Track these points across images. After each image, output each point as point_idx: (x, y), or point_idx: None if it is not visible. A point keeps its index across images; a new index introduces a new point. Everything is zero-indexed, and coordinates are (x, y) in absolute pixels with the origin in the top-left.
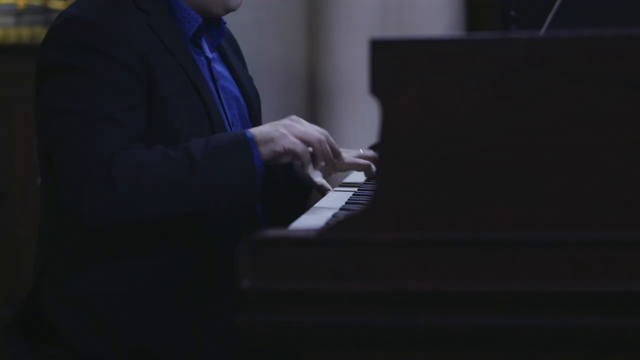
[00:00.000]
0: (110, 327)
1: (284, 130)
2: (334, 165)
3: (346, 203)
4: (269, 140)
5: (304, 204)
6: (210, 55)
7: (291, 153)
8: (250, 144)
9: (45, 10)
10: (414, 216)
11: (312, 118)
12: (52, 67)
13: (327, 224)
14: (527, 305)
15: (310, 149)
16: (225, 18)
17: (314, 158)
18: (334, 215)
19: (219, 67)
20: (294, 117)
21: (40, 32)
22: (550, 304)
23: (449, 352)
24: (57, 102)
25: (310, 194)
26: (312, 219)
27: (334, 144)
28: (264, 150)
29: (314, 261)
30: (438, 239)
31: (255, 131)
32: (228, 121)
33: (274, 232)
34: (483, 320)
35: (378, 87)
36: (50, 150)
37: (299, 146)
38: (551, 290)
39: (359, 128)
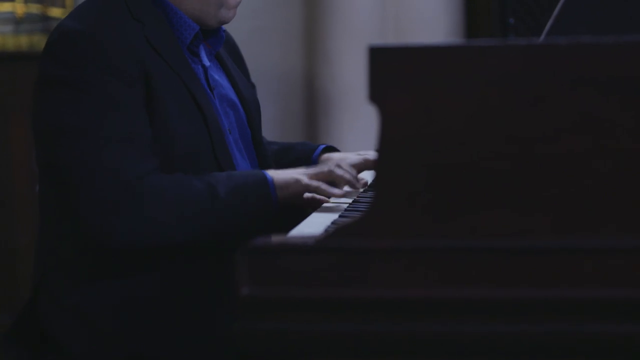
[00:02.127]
0: (107, 337)
1: (298, 177)
2: (354, 186)
3: (345, 210)
4: (285, 186)
5: (303, 211)
6: (207, 63)
7: (300, 194)
8: (270, 185)
9: (44, 18)
10: (411, 223)
11: (311, 126)
12: (54, 82)
13: (325, 231)
14: (525, 312)
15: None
16: (225, 29)
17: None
18: (332, 223)
19: (216, 75)
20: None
21: (39, 40)
22: (548, 312)
23: (448, 359)
24: (64, 120)
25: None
26: (311, 227)
27: (343, 170)
28: (280, 194)
29: (312, 268)
30: (436, 246)
31: (273, 174)
32: (225, 129)
33: (273, 239)
34: (481, 328)
35: (376, 93)
36: (61, 169)
37: (309, 186)
38: (549, 298)
39: (357, 136)
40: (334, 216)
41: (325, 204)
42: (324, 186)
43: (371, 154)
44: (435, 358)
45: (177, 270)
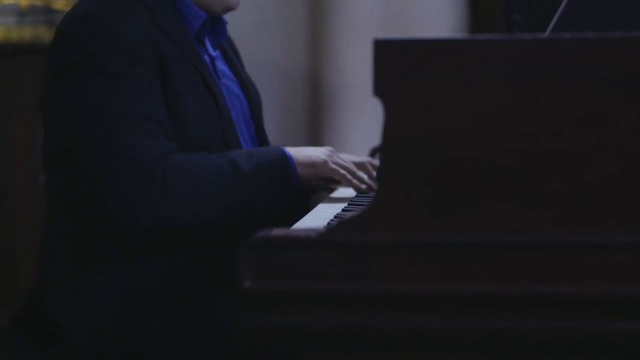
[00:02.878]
0: (112, 327)
1: (326, 158)
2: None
3: (348, 204)
4: (310, 165)
5: (307, 205)
6: (213, 53)
7: (328, 180)
8: (290, 161)
9: (48, 10)
10: (415, 218)
11: (314, 121)
12: (73, 66)
13: (328, 225)
14: (528, 307)
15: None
16: (227, 20)
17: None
18: (336, 217)
19: (221, 66)
20: (329, 148)
21: (43, 32)
22: (550, 307)
23: (449, 353)
24: (86, 102)
25: (314, 195)
26: (314, 220)
27: (362, 174)
28: (302, 172)
29: (315, 262)
30: (438, 240)
31: (294, 152)
32: (233, 120)
33: (275, 233)
34: (482, 323)
35: (381, 87)
36: (79, 152)
37: (337, 171)
38: (550, 294)
39: (361, 131)
40: (337, 210)
41: (330, 195)
42: (349, 176)
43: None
44: (436, 352)
45: (181, 262)
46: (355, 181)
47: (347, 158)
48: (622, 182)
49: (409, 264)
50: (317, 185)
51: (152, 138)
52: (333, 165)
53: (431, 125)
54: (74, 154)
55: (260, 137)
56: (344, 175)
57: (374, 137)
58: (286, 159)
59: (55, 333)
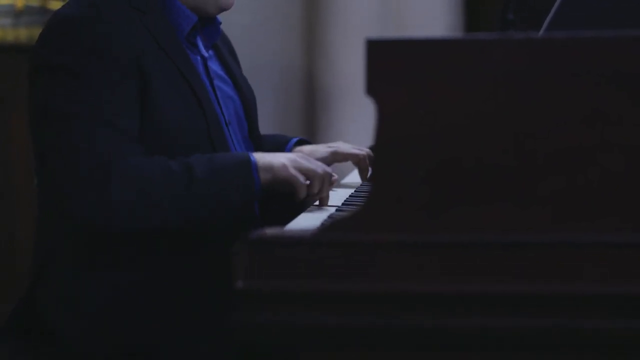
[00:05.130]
0: (105, 327)
1: (287, 162)
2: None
3: (342, 204)
4: (269, 168)
5: (303, 204)
6: (206, 54)
7: (287, 184)
8: (252, 167)
9: (43, 11)
10: (408, 217)
11: (310, 119)
12: (46, 67)
13: (322, 224)
14: (524, 306)
15: (308, 182)
16: (223, 19)
17: (310, 190)
18: (329, 216)
19: (214, 66)
20: (302, 154)
21: (38, 33)
22: (549, 306)
23: (444, 353)
24: (51, 103)
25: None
26: (309, 220)
27: (333, 180)
28: (262, 177)
29: (309, 261)
30: (433, 240)
31: (258, 157)
32: (225, 120)
33: (270, 232)
34: (479, 322)
35: (373, 87)
36: (45, 153)
37: (295, 177)
38: (548, 293)
39: (356, 129)
40: (331, 210)
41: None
42: (303, 188)
43: (341, 146)
44: (433, 352)
45: (176, 261)
46: (302, 195)
47: (346, 148)
48: (621, 181)
49: (403, 264)
50: (281, 191)
51: (105, 142)
52: (292, 171)
53: (425, 125)
54: (41, 154)
55: (254, 138)
56: (300, 185)
57: (370, 136)
58: (248, 164)
59: (50, 333)
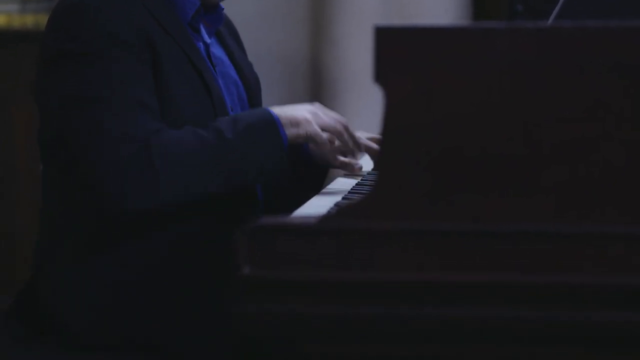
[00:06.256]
0: (107, 316)
1: (310, 117)
2: (352, 153)
3: (349, 192)
4: (295, 123)
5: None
6: (208, 40)
7: (312, 140)
8: (278, 124)
9: None
10: (414, 206)
11: None
12: (63, 54)
13: (328, 212)
14: (526, 297)
15: (328, 135)
16: (228, 8)
17: (332, 146)
18: (335, 205)
19: (217, 52)
20: (318, 104)
21: (45, 20)
22: (550, 297)
23: (447, 344)
24: (75, 90)
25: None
26: (314, 208)
27: (353, 134)
28: (289, 132)
29: (312, 250)
30: (438, 229)
31: (280, 112)
32: (229, 106)
33: (273, 220)
34: (480, 313)
35: (382, 75)
36: (73, 142)
37: (320, 135)
38: (551, 283)
39: (362, 119)
40: (338, 198)
41: (334, 181)
42: (328, 145)
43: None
44: (435, 342)
45: (179, 249)
46: (331, 154)
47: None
48: (626, 173)
49: (407, 253)
50: (304, 149)
51: (138, 121)
52: (316, 127)
53: (432, 113)
54: (65, 142)
55: None
56: (324, 143)
57: (376, 125)
58: (272, 119)
59: (52, 322)
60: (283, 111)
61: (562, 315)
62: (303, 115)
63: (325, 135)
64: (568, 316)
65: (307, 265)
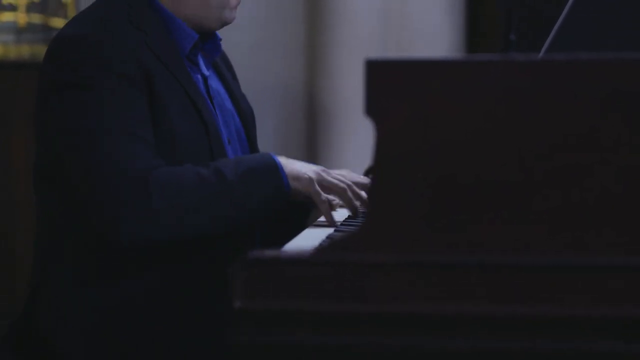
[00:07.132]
0: (105, 343)
1: (313, 176)
2: (356, 210)
3: (341, 224)
4: (296, 178)
5: (303, 225)
6: (206, 72)
7: (311, 199)
8: (280, 169)
9: (46, 28)
10: (407, 237)
11: (311, 139)
12: (61, 87)
13: (320, 244)
14: (521, 328)
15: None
16: (225, 38)
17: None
18: (328, 237)
19: (214, 84)
20: (322, 167)
21: (41, 50)
22: (546, 328)
23: None
24: (73, 122)
25: (310, 215)
26: (307, 240)
27: (358, 192)
28: (292, 183)
29: (307, 281)
30: (432, 260)
31: (284, 162)
32: (226, 139)
33: (267, 252)
34: (476, 343)
35: (373, 107)
36: (70, 174)
37: (319, 196)
38: (546, 315)
39: (357, 149)
40: (330, 230)
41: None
42: (327, 207)
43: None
44: None
45: (175, 276)
46: (325, 210)
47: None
48: (619, 202)
49: (401, 284)
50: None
51: (137, 155)
52: (317, 188)
53: (423, 145)
54: (62, 173)
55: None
56: (323, 204)
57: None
58: (275, 166)
59: (48, 350)
60: (287, 162)
61: (559, 346)
62: (306, 173)
63: (325, 197)
64: (564, 347)
65: (301, 296)
